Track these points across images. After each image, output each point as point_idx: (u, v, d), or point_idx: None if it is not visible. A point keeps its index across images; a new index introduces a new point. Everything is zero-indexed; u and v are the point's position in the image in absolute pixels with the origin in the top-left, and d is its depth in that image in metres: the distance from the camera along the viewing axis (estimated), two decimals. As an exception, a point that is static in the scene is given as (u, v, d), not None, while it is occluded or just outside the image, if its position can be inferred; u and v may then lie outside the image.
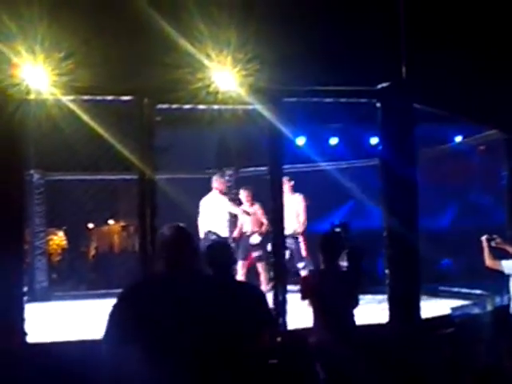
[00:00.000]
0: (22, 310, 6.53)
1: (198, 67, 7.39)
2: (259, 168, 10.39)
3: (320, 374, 5.84)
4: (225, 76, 7.39)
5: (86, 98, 7.12)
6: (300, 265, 10.19)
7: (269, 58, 8.06)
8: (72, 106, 7.22)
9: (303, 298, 6.10)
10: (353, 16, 8.04)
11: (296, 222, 10.32)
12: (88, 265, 14.30)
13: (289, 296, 7.33)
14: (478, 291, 9.73)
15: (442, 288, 10.37)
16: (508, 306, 8.08)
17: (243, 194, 10.61)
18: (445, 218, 11.94)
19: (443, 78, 8.32)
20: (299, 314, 6.80)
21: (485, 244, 8.18)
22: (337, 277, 6.10)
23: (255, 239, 10.38)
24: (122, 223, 18.21)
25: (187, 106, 7.39)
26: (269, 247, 9.05)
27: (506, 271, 8.05)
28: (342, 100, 7.66)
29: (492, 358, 6.22)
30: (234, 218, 10.80)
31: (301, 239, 10.45)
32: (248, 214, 10.33)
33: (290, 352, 6.39)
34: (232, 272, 5.28)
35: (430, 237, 9.37)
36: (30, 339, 6.51)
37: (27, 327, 6.53)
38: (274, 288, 7.26)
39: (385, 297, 7.61)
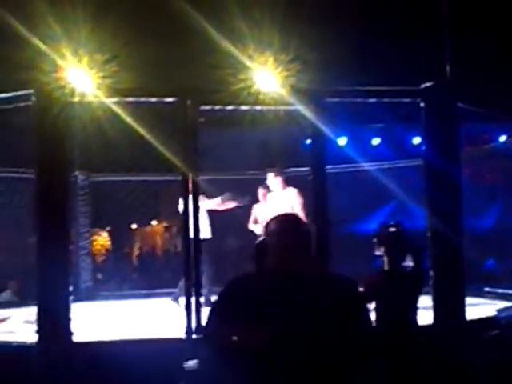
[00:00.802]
0: (68, 309, 6.62)
1: (240, 68, 7.42)
2: (301, 168, 10.37)
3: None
4: (267, 77, 7.40)
5: (129, 99, 7.18)
6: None
7: (311, 59, 8.06)
8: (115, 108, 7.29)
9: (368, 300, 5.78)
10: (396, 16, 8.00)
11: None
12: (131, 265, 14.43)
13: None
14: (524, 292, 9.60)
15: (487, 289, 10.24)
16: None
17: (260, 193, 10.20)
18: (489, 218, 11.79)
19: (488, 76, 8.23)
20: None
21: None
22: (403, 277, 5.93)
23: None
24: (165, 224, 18.34)
25: (229, 107, 7.40)
26: None
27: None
28: (385, 100, 7.60)
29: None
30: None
31: None
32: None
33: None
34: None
35: (475, 237, 9.27)
36: (76, 338, 6.60)
37: (73, 327, 6.61)
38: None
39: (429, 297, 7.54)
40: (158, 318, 9.00)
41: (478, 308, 8.67)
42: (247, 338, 2.88)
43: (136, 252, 17.06)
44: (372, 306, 5.85)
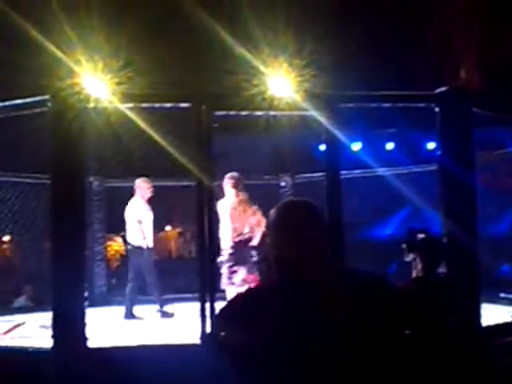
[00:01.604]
0: (83, 315, 6.63)
1: (254, 73, 7.43)
2: (315, 174, 10.36)
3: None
4: (281, 82, 7.40)
5: (144, 105, 7.20)
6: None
7: (325, 64, 8.06)
8: (130, 114, 7.32)
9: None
10: (410, 21, 7.98)
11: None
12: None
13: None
14: (540, 298, 9.54)
15: (502, 295, 10.18)
16: None
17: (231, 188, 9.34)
18: (504, 223, 11.73)
19: (502, 81, 8.20)
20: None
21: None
22: (439, 285, 5.87)
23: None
24: (179, 229, 18.36)
25: (244, 113, 7.41)
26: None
27: None
28: (400, 105, 7.58)
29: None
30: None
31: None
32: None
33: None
34: None
35: (489, 242, 9.21)
36: (91, 344, 6.62)
37: (88, 332, 6.63)
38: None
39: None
40: (173, 323, 9.01)
41: (494, 314, 8.63)
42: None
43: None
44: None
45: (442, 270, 6.07)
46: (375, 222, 12.19)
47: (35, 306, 10.42)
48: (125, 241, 10.66)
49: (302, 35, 9.11)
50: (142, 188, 9.95)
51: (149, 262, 9.79)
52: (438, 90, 7.47)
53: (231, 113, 7.32)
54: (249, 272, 8.94)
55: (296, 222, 2.45)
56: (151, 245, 9.88)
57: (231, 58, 8.88)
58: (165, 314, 9.63)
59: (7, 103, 7.12)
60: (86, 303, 6.87)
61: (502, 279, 11.64)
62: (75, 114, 6.75)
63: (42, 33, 8.79)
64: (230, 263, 8.98)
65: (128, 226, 9.96)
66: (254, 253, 9.01)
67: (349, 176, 10.58)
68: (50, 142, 6.86)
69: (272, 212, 2.51)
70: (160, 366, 6.30)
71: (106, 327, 8.56)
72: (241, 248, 9.01)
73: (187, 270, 11.69)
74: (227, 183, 9.25)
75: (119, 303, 11.36)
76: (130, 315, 9.56)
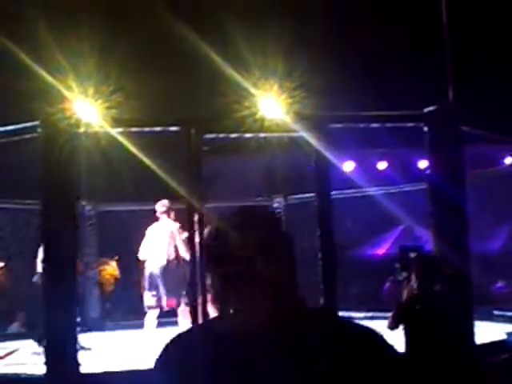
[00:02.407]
0: (75, 341, 6.61)
1: (245, 95, 7.46)
2: (307, 194, 10.37)
3: None
4: (271, 104, 7.44)
5: (134, 129, 7.22)
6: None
7: (315, 85, 8.10)
8: (120, 138, 7.34)
9: (395, 325, 5.81)
10: (398, 40, 8.04)
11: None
12: (140, 294, 14.41)
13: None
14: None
15: (496, 312, 10.17)
16: None
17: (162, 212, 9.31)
18: (497, 240, 11.75)
19: (491, 99, 8.25)
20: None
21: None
22: (434, 303, 5.87)
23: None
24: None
25: (234, 135, 7.44)
26: None
27: None
28: (389, 125, 7.62)
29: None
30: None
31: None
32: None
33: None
34: None
35: (483, 260, 9.22)
36: (83, 369, 6.58)
37: (81, 358, 6.60)
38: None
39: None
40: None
41: (488, 331, 8.62)
42: None
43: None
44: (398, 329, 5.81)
45: (437, 287, 6.06)
46: (368, 241, 12.20)
47: (28, 333, 10.36)
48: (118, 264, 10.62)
49: (292, 57, 9.18)
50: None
51: None
52: (427, 110, 7.52)
53: (221, 135, 7.35)
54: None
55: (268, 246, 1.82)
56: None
57: (222, 80, 8.93)
58: None
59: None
60: (79, 329, 6.84)
61: (495, 296, 11.65)
62: (66, 139, 6.76)
63: (34, 58, 8.83)
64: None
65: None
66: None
67: (341, 196, 10.61)
68: (40, 166, 6.86)
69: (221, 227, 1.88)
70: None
71: (99, 352, 8.52)
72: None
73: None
74: (161, 209, 9.21)
75: (113, 328, 11.34)
76: None
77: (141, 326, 9.96)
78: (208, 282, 1.85)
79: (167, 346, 1.90)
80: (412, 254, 6.31)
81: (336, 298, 7.49)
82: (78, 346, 6.75)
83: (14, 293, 11.82)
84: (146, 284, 9.07)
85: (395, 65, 7.99)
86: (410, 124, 7.65)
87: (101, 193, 11.53)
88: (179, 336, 1.91)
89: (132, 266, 11.62)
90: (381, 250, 12.96)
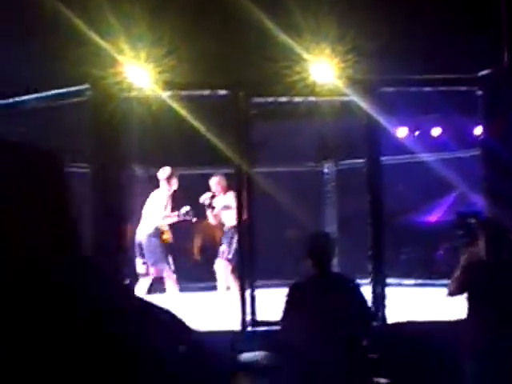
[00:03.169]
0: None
1: (296, 60, 7.39)
2: (358, 160, 10.26)
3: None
4: (323, 68, 7.35)
5: (183, 93, 7.22)
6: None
7: (367, 49, 7.96)
8: (170, 102, 7.34)
9: (460, 291, 5.60)
10: (450, 1, 7.83)
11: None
12: (191, 258, 14.52)
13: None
14: None
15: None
16: None
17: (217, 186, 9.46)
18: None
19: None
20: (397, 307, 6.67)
21: None
22: (502, 267, 5.59)
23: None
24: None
25: (283, 99, 7.38)
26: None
27: None
28: (442, 88, 7.47)
29: None
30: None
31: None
32: None
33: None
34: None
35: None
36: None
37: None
38: (373, 281, 7.15)
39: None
40: (214, 310, 9.04)
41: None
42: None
43: (197, 245, 17.13)
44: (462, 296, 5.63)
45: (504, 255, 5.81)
46: (421, 208, 12.05)
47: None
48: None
49: (345, 21, 9.03)
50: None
51: None
52: (481, 73, 7.33)
53: (270, 99, 7.31)
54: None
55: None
56: None
57: (273, 44, 8.84)
58: None
59: (48, 93, 7.21)
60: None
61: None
62: (117, 103, 6.80)
63: (85, 21, 8.86)
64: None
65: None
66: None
67: (394, 162, 10.48)
68: (90, 131, 6.93)
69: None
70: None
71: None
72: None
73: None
74: (216, 184, 9.33)
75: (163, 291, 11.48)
76: None
77: (188, 289, 10.05)
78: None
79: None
80: (472, 220, 6.10)
81: (384, 265, 7.43)
82: None
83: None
84: (136, 251, 9.00)
85: (449, 27, 7.79)
86: (464, 88, 7.47)
87: (150, 157, 11.56)
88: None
89: (183, 231, 11.65)
90: (433, 217, 12.80)
